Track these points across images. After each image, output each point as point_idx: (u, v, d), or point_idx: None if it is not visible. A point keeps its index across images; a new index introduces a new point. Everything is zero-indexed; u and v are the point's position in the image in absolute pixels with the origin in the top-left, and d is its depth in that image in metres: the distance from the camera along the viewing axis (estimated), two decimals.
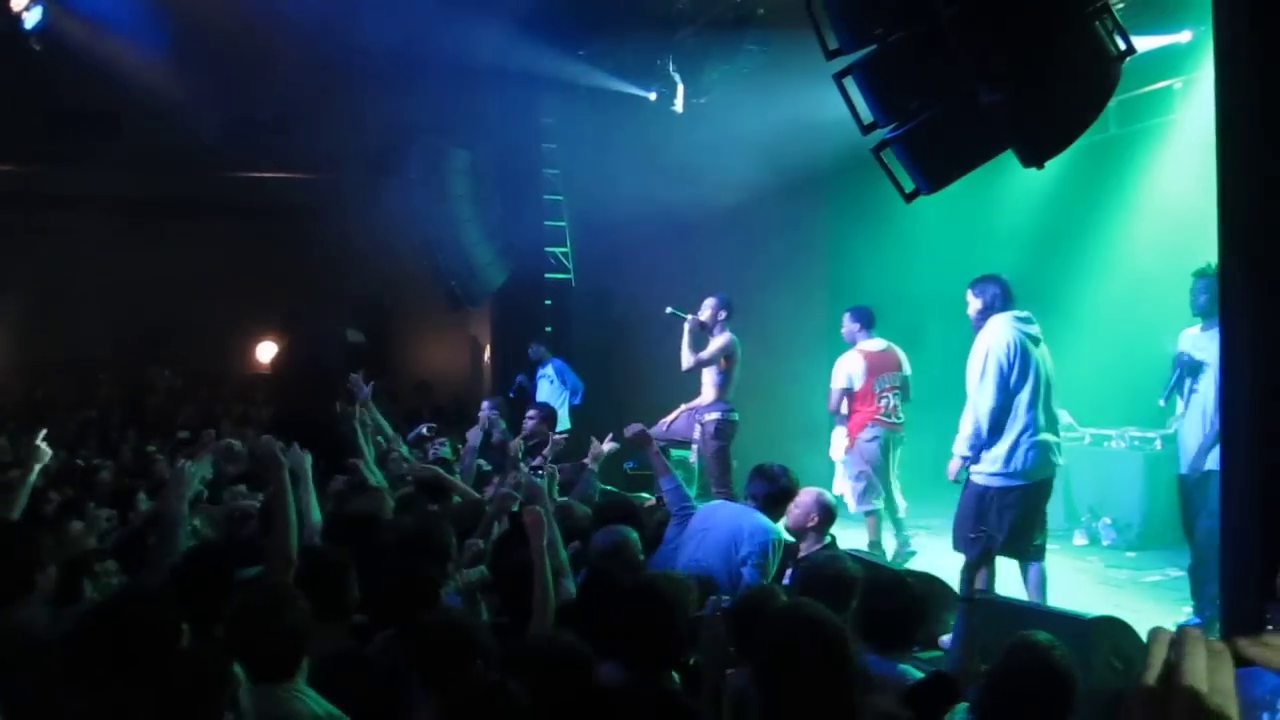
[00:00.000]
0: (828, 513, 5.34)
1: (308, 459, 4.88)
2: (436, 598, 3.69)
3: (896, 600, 3.72)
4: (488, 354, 14.03)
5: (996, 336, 6.11)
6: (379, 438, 7.43)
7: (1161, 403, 7.95)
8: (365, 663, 3.37)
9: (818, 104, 9.86)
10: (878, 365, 8.02)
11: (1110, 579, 7.70)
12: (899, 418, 8.13)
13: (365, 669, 3.29)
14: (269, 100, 12.05)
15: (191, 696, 2.59)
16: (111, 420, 10.02)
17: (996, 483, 6.11)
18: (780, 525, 5.24)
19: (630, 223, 11.24)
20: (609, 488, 7.53)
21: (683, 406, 8.53)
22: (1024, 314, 6.27)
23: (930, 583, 5.13)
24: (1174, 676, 1.19)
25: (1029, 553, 6.18)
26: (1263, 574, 3.62)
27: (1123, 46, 3.96)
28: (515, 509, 4.79)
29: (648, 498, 6.92)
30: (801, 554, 5.23)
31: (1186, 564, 7.79)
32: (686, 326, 8.02)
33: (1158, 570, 7.82)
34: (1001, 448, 6.06)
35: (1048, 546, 7.65)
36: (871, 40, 4.14)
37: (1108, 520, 8.90)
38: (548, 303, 12.53)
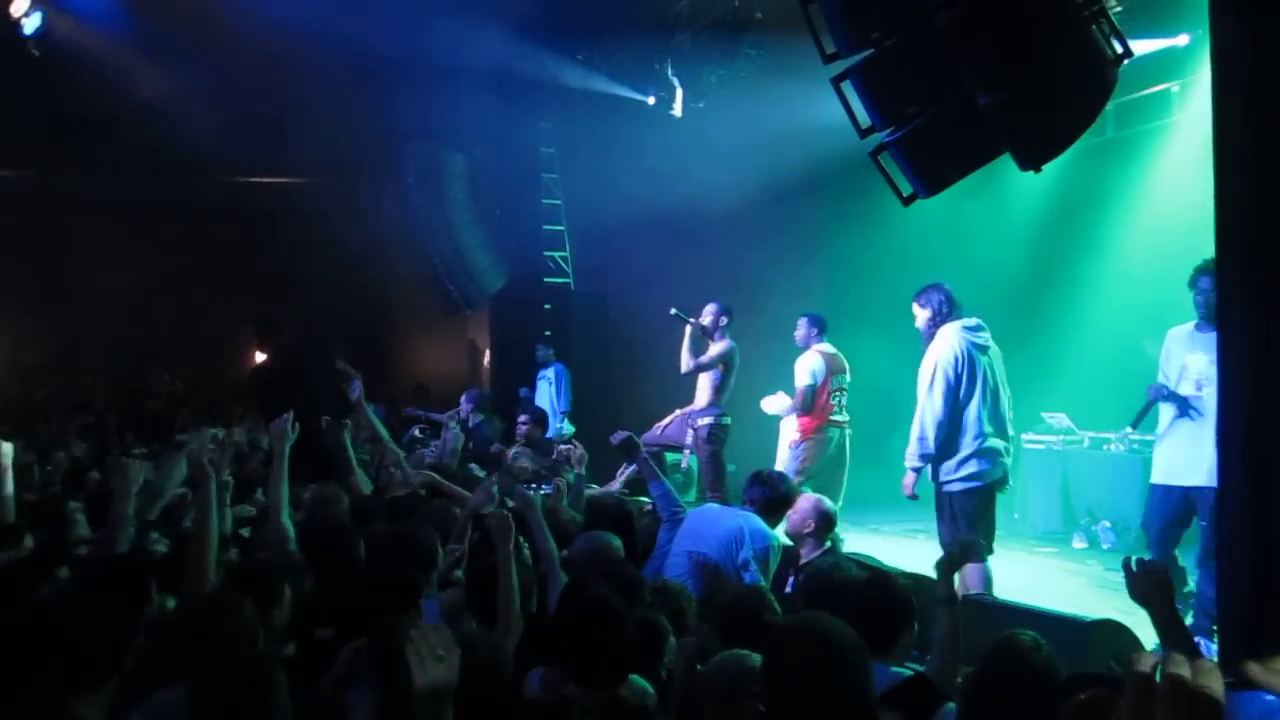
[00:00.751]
0: (826, 519, 5.35)
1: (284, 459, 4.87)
2: (414, 605, 3.53)
3: (883, 601, 3.71)
4: (486, 358, 14.03)
5: (945, 347, 6.20)
6: (370, 442, 7.40)
7: (1130, 430, 7.96)
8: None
9: (815, 107, 9.92)
10: (833, 366, 8.22)
11: (1109, 582, 7.69)
12: (847, 415, 8.38)
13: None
14: (267, 105, 12.05)
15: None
16: (110, 424, 10.01)
17: (957, 487, 6.21)
18: (779, 531, 5.24)
19: (628, 227, 11.25)
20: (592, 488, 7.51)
21: (677, 411, 8.54)
22: (972, 322, 6.34)
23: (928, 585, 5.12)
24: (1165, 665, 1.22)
25: (980, 553, 6.20)
26: (1254, 582, 3.64)
27: (1119, 50, 3.96)
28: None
29: (647, 502, 6.91)
30: (802, 560, 5.23)
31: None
32: (688, 330, 8.03)
33: None
34: (961, 454, 6.17)
35: (1047, 549, 7.60)
36: (868, 44, 4.14)
37: (1107, 524, 8.91)
38: (546, 307, 12.53)
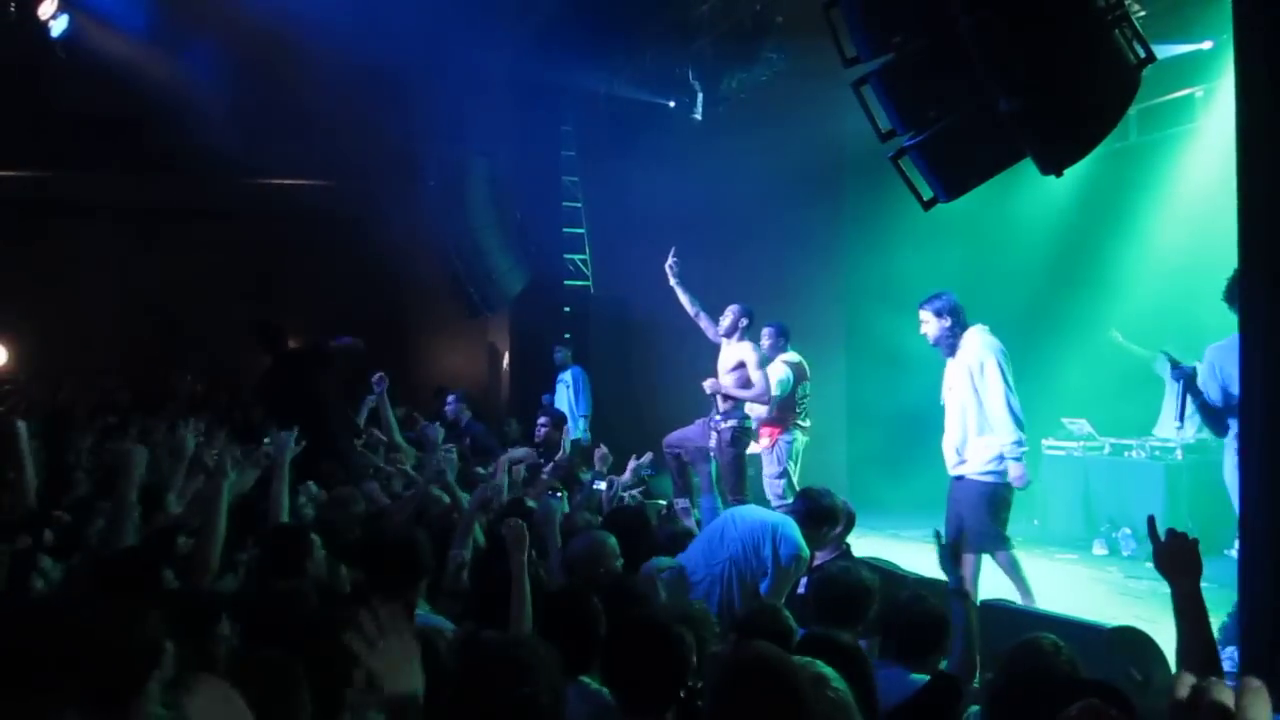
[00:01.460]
0: (850, 520, 5.42)
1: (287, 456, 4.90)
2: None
3: (914, 615, 3.71)
4: (506, 360, 14.06)
5: (989, 344, 6.31)
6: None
7: (1177, 424, 7.92)
8: None
9: (836, 111, 9.92)
10: (800, 375, 8.60)
11: (1130, 589, 7.65)
12: (809, 421, 8.80)
13: None
14: (288, 107, 12.11)
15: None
16: (131, 425, 10.07)
17: (990, 477, 6.31)
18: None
19: (649, 230, 11.24)
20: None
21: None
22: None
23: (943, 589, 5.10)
24: (1204, 694, 1.20)
25: (1005, 544, 6.42)
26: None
27: (1142, 54, 3.95)
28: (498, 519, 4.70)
29: (664, 503, 6.92)
30: (816, 561, 5.22)
31: (1206, 575, 7.75)
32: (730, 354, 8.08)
33: None
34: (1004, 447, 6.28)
35: (1068, 556, 7.57)
36: (889, 49, 4.15)
37: (1127, 531, 8.85)
38: (566, 310, 12.55)
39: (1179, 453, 8.99)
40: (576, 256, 12.95)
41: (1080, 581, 8.03)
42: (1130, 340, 9.77)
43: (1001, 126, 4.00)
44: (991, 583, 6.37)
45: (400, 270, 14.53)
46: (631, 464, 6.77)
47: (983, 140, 4.13)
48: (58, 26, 10.94)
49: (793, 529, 5.03)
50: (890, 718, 3.16)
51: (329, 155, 13.31)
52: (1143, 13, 7.49)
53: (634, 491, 6.72)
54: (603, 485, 6.24)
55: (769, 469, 8.59)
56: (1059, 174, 4.09)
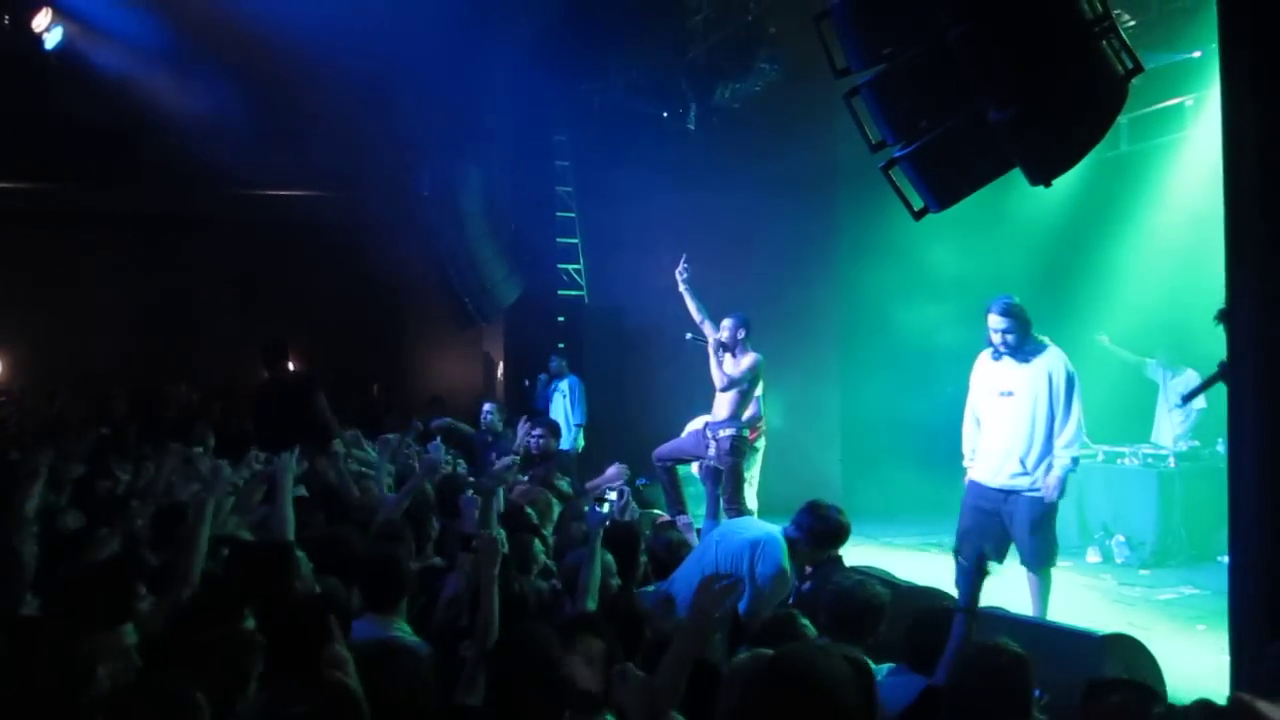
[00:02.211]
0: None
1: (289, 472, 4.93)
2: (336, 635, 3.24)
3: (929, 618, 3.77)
4: (501, 370, 14.08)
5: (1064, 358, 6.35)
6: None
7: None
8: None
9: (828, 121, 9.96)
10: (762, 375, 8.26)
11: (1123, 597, 7.67)
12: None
13: None
14: (283, 118, 12.14)
15: None
16: (127, 435, 10.06)
17: (1055, 496, 6.29)
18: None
19: (643, 240, 11.29)
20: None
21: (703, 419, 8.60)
22: None
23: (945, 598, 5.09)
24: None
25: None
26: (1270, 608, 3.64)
27: (1130, 64, 3.98)
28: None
29: (660, 513, 6.90)
30: (808, 570, 5.13)
31: (1199, 582, 7.79)
32: (710, 349, 7.99)
33: (1171, 588, 7.79)
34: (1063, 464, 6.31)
35: (1061, 563, 7.61)
36: (880, 59, 4.17)
37: (1121, 538, 8.87)
38: (560, 319, 12.56)
39: (1172, 460, 9.02)
40: (570, 266, 12.98)
41: (1074, 589, 8.04)
42: (1120, 346, 9.80)
43: (991, 137, 4.03)
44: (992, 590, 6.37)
45: (395, 280, 14.56)
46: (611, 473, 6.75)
47: (973, 151, 4.15)
48: (52, 38, 10.97)
49: (776, 547, 4.80)
50: None
51: (324, 166, 13.35)
52: (1132, 23, 7.54)
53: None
54: (613, 496, 6.18)
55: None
56: (1048, 184, 4.12)
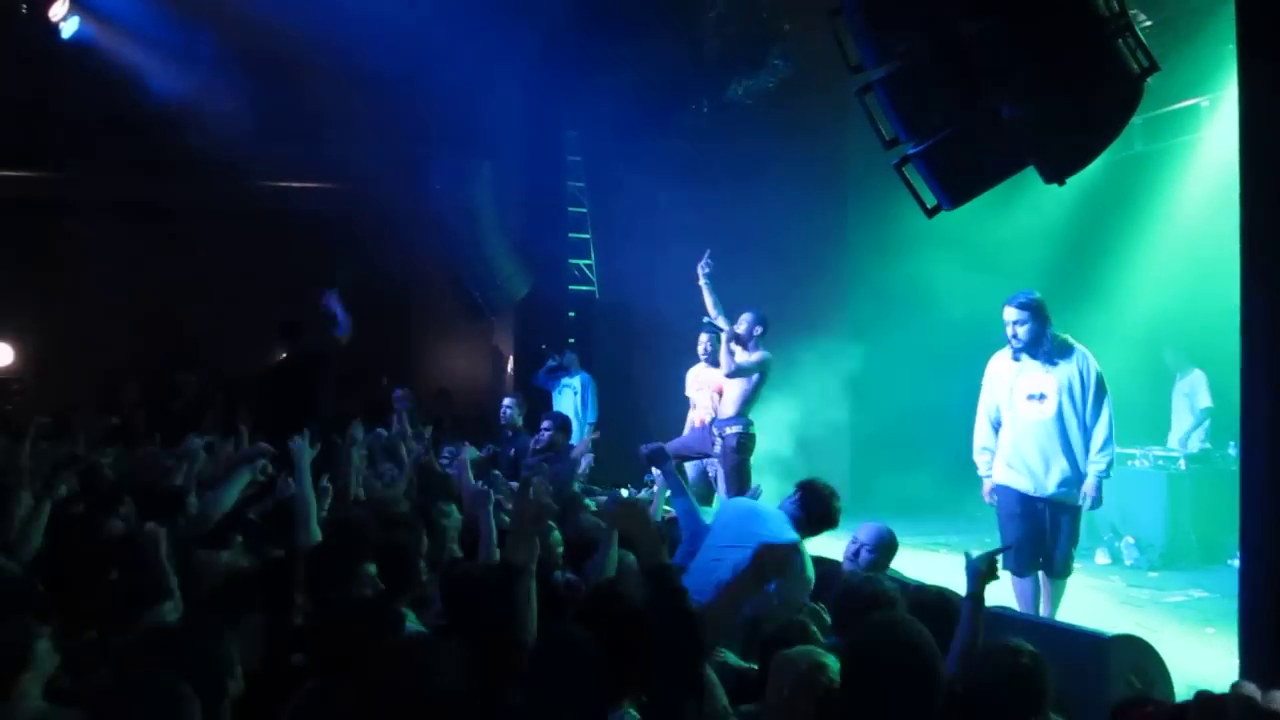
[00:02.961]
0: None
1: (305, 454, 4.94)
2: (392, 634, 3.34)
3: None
4: (510, 364, 14.08)
5: (1094, 362, 6.27)
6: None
7: None
8: None
9: (841, 117, 9.94)
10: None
11: (1132, 598, 7.65)
12: None
13: None
14: (295, 110, 12.14)
15: None
16: (138, 422, 10.10)
17: (1088, 504, 6.24)
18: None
19: (654, 236, 11.27)
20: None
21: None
22: None
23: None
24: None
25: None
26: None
27: (1145, 63, 3.96)
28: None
29: (668, 510, 6.89)
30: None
31: (1209, 585, 7.77)
32: (723, 337, 7.98)
33: (1180, 590, 7.77)
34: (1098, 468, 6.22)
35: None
36: (894, 56, 4.16)
37: (1130, 540, 8.84)
38: (571, 315, 12.55)
39: (1182, 462, 8.99)
40: (581, 261, 12.97)
41: (1082, 590, 8.01)
42: (1132, 348, 9.76)
43: (1005, 134, 4.01)
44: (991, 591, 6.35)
45: (405, 274, 14.55)
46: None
47: (986, 148, 4.14)
48: (68, 28, 10.99)
49: (802, 560, 4.73)
50: None
51: (336, 158, 13.33)
52: (1148, 22, 7.50)
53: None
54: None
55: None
56: (1061, 183, 4.10)
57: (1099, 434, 6.15)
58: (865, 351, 10.92)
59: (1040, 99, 3.88)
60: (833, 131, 10.65)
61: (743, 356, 7.90)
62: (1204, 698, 1.26)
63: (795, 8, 9.56)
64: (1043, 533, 6.27)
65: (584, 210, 13.03)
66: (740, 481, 7.91)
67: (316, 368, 8.04)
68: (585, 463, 7.99)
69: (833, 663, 2.93)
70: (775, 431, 9.19)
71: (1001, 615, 5.17)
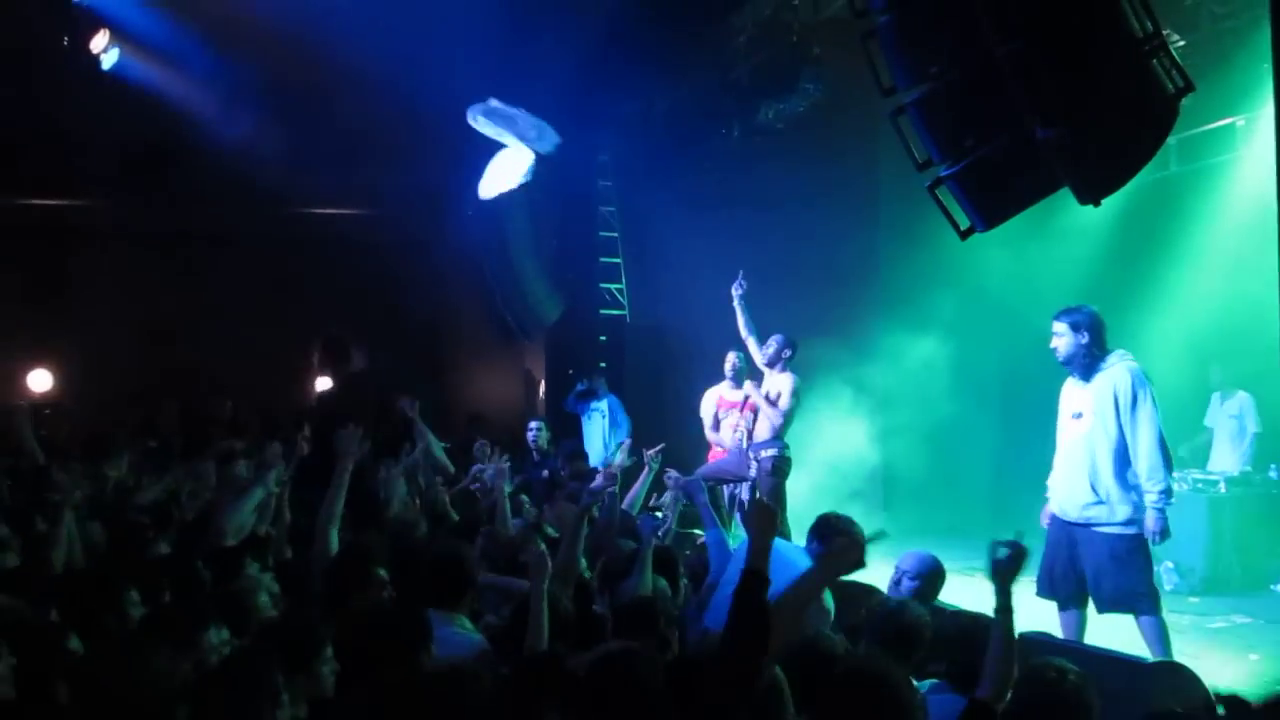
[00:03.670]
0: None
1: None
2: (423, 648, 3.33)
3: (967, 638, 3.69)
4: (542, 388, 14.11)
5: (1138, 373, 5.77)
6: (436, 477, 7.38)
7: None
8: None
9: (873, 141, 9.93)
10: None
11: (1173, 625, 7.48)
12: None
13: None
14: (327, 137, 12.28)
15: None
16: (174, 450, 10.18)
17: (1134, 529, 5.82)
18: None
19: (685, 259, 11.28)
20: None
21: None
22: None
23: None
24: None
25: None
26: None
27: (1180, 83, 3.94)
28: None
29: (699, 534, 6.87)
30: None
31: (1252, 610, 7.64)
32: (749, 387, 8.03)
33: (1222, 616, 7.64)
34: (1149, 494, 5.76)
35: None
36: (926, 78, 4.16)
37: (1170, 565, 8.71)
38: (602, 338, 12.58)
39: (1222, 485, 8.87)
40: (613, 285, 13.00)
41: (1122, 616, 7.91)
42: (1168, 368, 9.66)
43: (1039, 156, 4.00)
44: (1030, 614, 6.24)
45: (437, 298, 14.65)
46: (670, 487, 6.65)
47: (1020, 170, 4.12)
48: (109, 59, 11.18)
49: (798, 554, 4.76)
50: None
51: (368, 184, 13.47)
52: (1181, 43, 7.46)
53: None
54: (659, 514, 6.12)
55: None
56: (1097, 204, 4.08)
57: (1144, 459, 5.66)
58: (897, 373, 10.87)
59: (1075, 120, 3.86)
60: (865, 154, 10.63)
61: (772, 380, 7.93)
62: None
63: (825, 31, 9.57)
64: (1073, 559, 5.91)
65: (615, 235, 13.08)
66: (775, 505, 7.89)
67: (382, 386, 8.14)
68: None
69: None
70: (808, 459, 9.15)
71: (1040, 641, 5.12)
